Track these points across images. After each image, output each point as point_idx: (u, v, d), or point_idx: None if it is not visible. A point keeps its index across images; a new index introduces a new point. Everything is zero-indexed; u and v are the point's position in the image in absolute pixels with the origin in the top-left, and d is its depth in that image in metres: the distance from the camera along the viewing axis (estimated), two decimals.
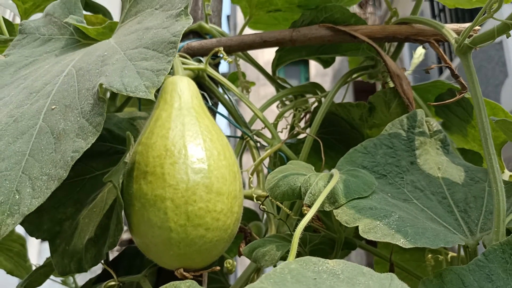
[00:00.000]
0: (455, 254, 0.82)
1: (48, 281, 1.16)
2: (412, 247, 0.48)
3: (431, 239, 0.48)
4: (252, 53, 0.95)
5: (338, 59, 1.05)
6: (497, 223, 0.52)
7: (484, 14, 0.59)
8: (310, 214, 0.51)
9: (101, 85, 0.47)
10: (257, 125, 0.90)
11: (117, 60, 0.49)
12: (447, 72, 8.62)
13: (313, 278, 0.35)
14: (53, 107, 0.48)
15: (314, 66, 13.99)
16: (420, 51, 1.08)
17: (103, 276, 0.74)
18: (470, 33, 0.62)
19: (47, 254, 0.77)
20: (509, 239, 0.50)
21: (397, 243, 0.48)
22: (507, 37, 0.60)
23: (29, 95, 0.52)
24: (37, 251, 3.90)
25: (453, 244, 0.49)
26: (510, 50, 7.31)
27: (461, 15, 9.11)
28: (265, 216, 1.02)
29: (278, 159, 0.87)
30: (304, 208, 0.59)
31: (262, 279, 0.34)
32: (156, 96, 0.71)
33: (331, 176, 0.60)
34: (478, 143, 0.88)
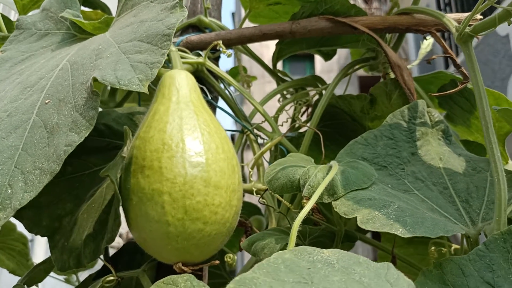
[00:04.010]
0: (458, 247, 0.81)
1: (53, 280, 1.17)
2: (410, 236, 0.47)
3: (430, 228, 0.48)
4: (257, 49, 0.94)
5: (343, 55, 1.04)
6: (499, 213, 0.51)
7: (484, 2, 0.58)
8: (308, 206, 0.51)
9: (94, 78, 0.46)
10: (259, 119, 0.90)
11: (111, 53, 0.48)
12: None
13: (307, 268, 0.35)
14: (47, 101, 0.48)
15: (319, 62, 13.93)
16: (427, 42, 1.06)
17: (103, 272, 0.74)
18: (471, 22, 0.61)
19: None
20: (510, 228, 0.49)
21: (395, 233, 0.47)
22: (509, 24, 0.59)
23: (24, 89, 0.51)
24: (44, 250, 3.92)
25: (452, 233, 0.49)
26: None
27: (467, 9, 9.03)
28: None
29: (279, 153, 0.86)
30: (304, 201, 0.59)
31: (255, 268, 0.34)
32: (154, 91, 0.71)
33: (330, 168, 0.59)
34: (482, 134, 0.86)
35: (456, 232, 0.49)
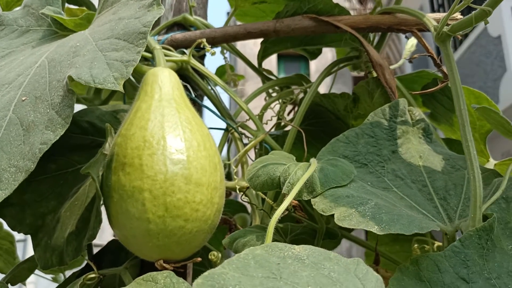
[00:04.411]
0: (441, 244, 0.82)
1: (46, 281, 1.17)
2: (386, 233, 0.47)
3: (405, 225, 0.48)
4: (252, 48, 0.94)
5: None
6: (474, 210, 0.52)
7: (461, 2, 0.59)
8: (285, 203, 0.51)
9: (70, 77, 0.46)
10: (245, 118, 0.90)
11: (88, 51, 0.49)
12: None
13: (276, 263, 0.35)
14: (23, 98, 0.48)
15: (314, 62, 13.96)
16: (411, 42, 1.07)
17: (86, 270, 0.74)
18: (450, 22, 0.62)
19: None
20: (485, 225, 0.49)
21: (371, 230, 0.48)
22: (485, 24, 0.60)
23: (1, 86, 0.51)
24: None
25: (427, 230, 0.49)
26: (509, 45, 7.28)
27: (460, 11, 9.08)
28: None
29: (264, 151, 0.87)
30: (285, 198, 0.59)
31: (224, 264, 0.34)
32: (137, 88, 0.71)
33: (310, 165, 0.60)
34: None
35: (431, 229, 0.50)
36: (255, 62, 0.97)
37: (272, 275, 0.33)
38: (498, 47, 7.58)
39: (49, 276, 1.27)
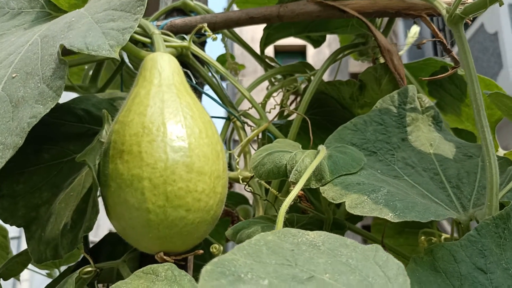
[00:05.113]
0: (449, 236, 0.79)
1: (42, 277, 1.14)
2: (400, 221, 0.45)
3: (421, 213, 0.46)
4: (248, 36, 0.91)
5: (335, 50, 1.01)
6: (490, 197, 0.49)
7: None
8: (295, 190, 0.49)
9: (62, 45, 0.43)
10: (247, 107, 0.87)
11: (83, 23, 0.46)
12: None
13: (290, 250, 0.32)
14: (14, 75, 0.45)
15: (311, 57, 13.96)
16: (414, 29, 1.05)
17: (82, 263, 0.71)
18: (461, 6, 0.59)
19: None
20: (502, 213, 0.47)
21: (385, 218, 0.45)
22: (500, 5, 0.57)
23: None
24: None
25: (444, 218, 0.47)
26: (505, 42, 7.28)
27: None
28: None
29: (267, 141, 0.84)
30: (291, 187, 0.56)
31: (235, 250, 0.31)
32: (135, 76, 0.68)
33: (318, 152, 0.57)
34: (472, 122, 0.85)
35: (447, 216, 0.47)
36: (254, 57, 0.95)
37: (286, 262, 0.31)
38: (495, 44, 7.57)
39: (44, 272, 1.23)
